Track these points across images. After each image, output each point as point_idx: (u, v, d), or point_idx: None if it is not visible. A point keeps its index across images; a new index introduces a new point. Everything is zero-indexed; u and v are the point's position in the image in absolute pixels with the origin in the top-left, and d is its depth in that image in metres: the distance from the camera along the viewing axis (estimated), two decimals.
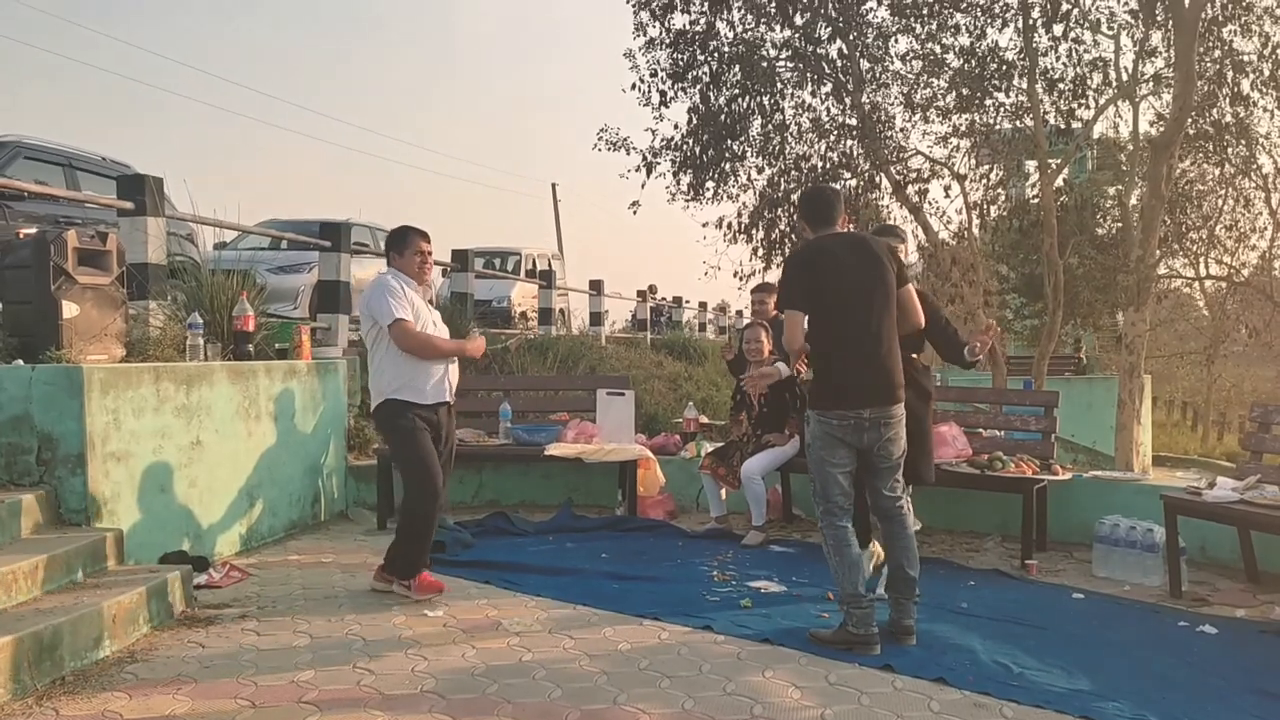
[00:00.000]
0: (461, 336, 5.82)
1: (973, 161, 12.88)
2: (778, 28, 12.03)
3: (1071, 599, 4.92)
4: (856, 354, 4.03)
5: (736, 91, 11.97)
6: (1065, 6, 11.23)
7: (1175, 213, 13.36)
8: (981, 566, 5.52)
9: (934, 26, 11.80)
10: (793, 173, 12.29)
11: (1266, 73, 11.90)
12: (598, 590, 4.85)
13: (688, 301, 24.53)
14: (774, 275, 12.43)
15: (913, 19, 11.81)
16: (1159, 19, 11.21)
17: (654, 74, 12.21)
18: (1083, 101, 11.93)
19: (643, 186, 12.65)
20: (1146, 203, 11.52)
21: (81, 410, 4.38)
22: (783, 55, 12.06)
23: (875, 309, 4.04)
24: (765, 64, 11.82)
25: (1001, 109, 11.95)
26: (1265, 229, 17.63)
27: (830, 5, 11.63)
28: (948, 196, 13.01)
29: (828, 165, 12.25)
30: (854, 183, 12.39)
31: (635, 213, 13.88)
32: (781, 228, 12.48)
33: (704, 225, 12.86)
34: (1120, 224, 13.24)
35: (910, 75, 12.41)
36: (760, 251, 12.61)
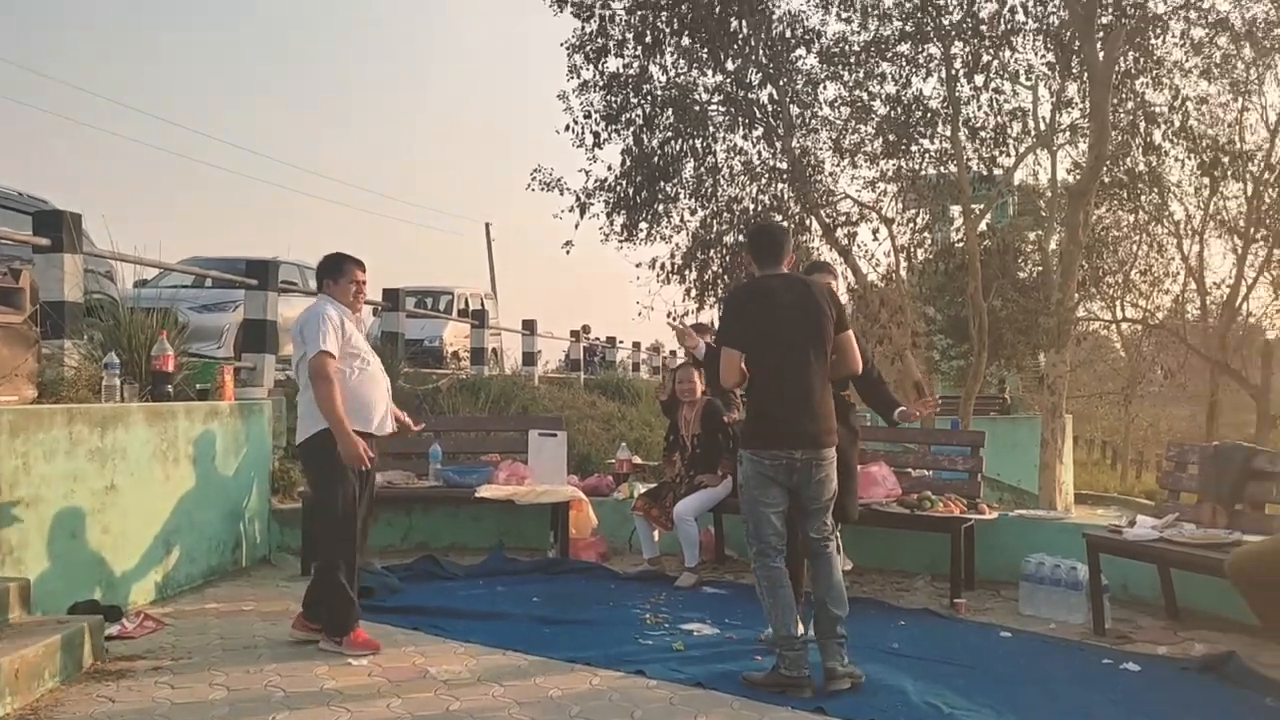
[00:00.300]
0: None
1: (900, 206, 13.24)
2: (710, 73, 12.27)
3: (999, 637, 4.97)
4: (790, 396, 4.06)
5: (669, 134, 12.13)
6: (986, 58, 11.64)
7: (1092, 258, 13.82)
8: (912, 606, 5.55)
9: (861, 74, 12.15)
10: (725, 215, 12.47)
11: (1177, 124, 12.46)
12: (529, 635, 4.77)
13: (621, 341, 24.55)
14: (707, 316, 12.54)
15: (841, 67, 12.15)
16: (1074, 71, 11.67)
17: (588, 116, 12.34)
18: (1004, 149, 12.35)
19: (576, 227, 12.72)
20: (1065, 248, 11.91)
21: None
22: (715, 99, 12.28)
23: (810, 352, 4.07)
24: (698, 108, 12.01)
25: (927, 155, 12.30)
26: (1178, 274, 18.39)
27: (761, 52, 11.88)
28: (876, 239, 13.32)
29: (759, 208, 12.45)
30: (785, 225, 12.58)
31: (569, 253, 13.93)
32: (714, 269, 12.62)
33: (638, 266, 12.98)
34: (1041, 268, 13.64)
35: (839, 121, 12.74)
36: (693, 292, 12.72)
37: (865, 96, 12.29)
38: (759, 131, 12.30)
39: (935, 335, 16.64)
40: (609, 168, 12.46)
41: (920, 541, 6.08)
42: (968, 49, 11.69)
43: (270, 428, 6.72)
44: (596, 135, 12.32)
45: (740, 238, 12.44)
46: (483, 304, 17.14)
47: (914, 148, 12.15)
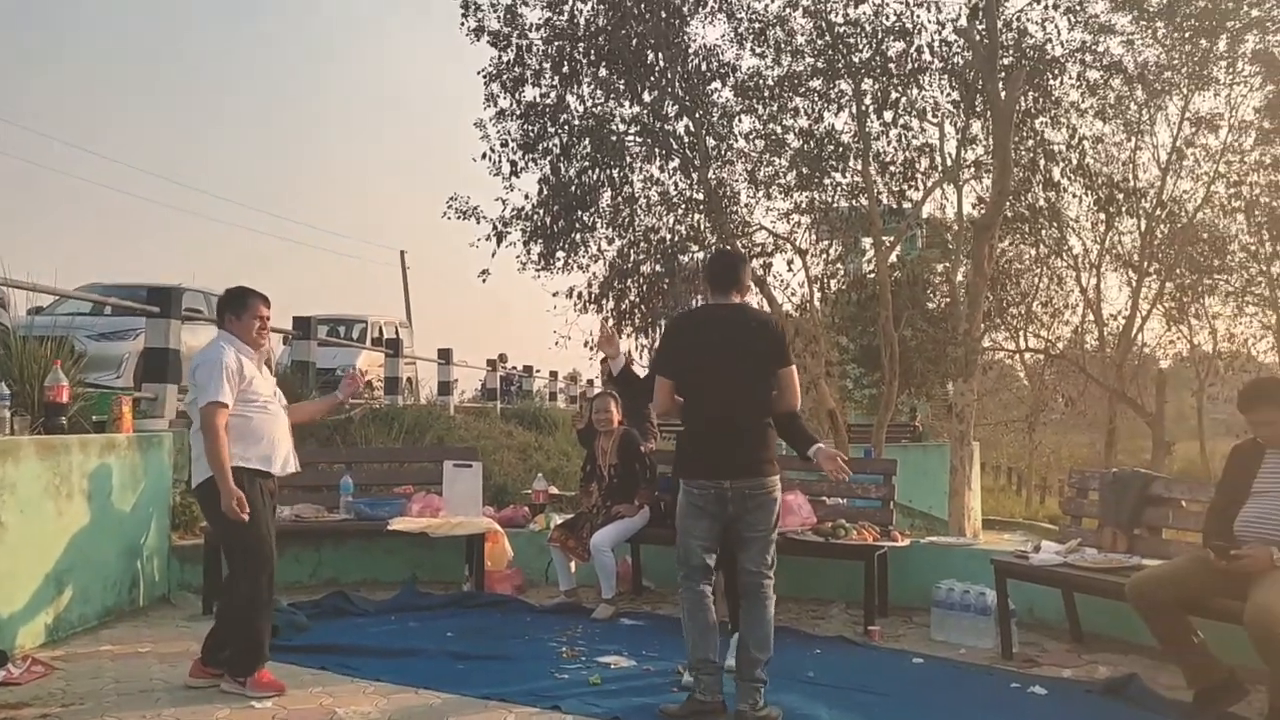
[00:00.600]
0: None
1: (813, 237, 13.49)
2: (627, 103, 12.36)
3: (912, 664, 5.03)
4: (718, 425, 4.06)
5: (586, 164, 12.16)
6: (894, 95, 11.98)
7: (997, 289, 14.26)
8: (827, 634, 5.59)
9: (775, 108, 12.37)
10: (642, 244, 12.53)
11: (1074, 161, 12.99)
12: (441, 672, 4.66)
13: (538, 370, 24.46)
14: (624, 346, 12.54)
15: (755, 100, 12.36)
16: (978, 110, 12.08)
17: (505, 144, 12.32)
18: (912, 183, 12.69)
19: (493, 255, 12.66)
20: (971, 280, 12.26)
21: None
22: (632, 130, 12.36)
23: (741, 382, 4.06)
24: (615, 138, 12.07)
25: (839, 188, 12.56)
26: (1077, 305, 19.12)
27: (677, 84, 12.02)
28: (790, 270, 13.54)
29: (676, 238, 12.54)
30: (701, 255, 12.70)
31: (485, 281, 13.85)
32: (631, 298, 12.66)
33: (555, 295, 12.91)
34: (948, 299, 14.01)
35: (754, 153, 12.94)
36: (610, 321, 12.71)
37: (779, 130, 12.52)
38: (675, 162, 12.42)
39: (848, 364, 16.93)
40: (526, 196, 12.44)
41: (835, 569, 6.14)
42: (877, 86, 12.01)
43: (171, 461, 6.48)
44: (514, 164, 12.29)
45: (657, 267, 12.52)
46: (397, 332, 16.87)
47: (826, 180, 12.39)
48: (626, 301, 12.66)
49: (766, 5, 12.33)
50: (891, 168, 12.46)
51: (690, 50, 12.26)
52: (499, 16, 12.02)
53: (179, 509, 6.69)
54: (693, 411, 4.13)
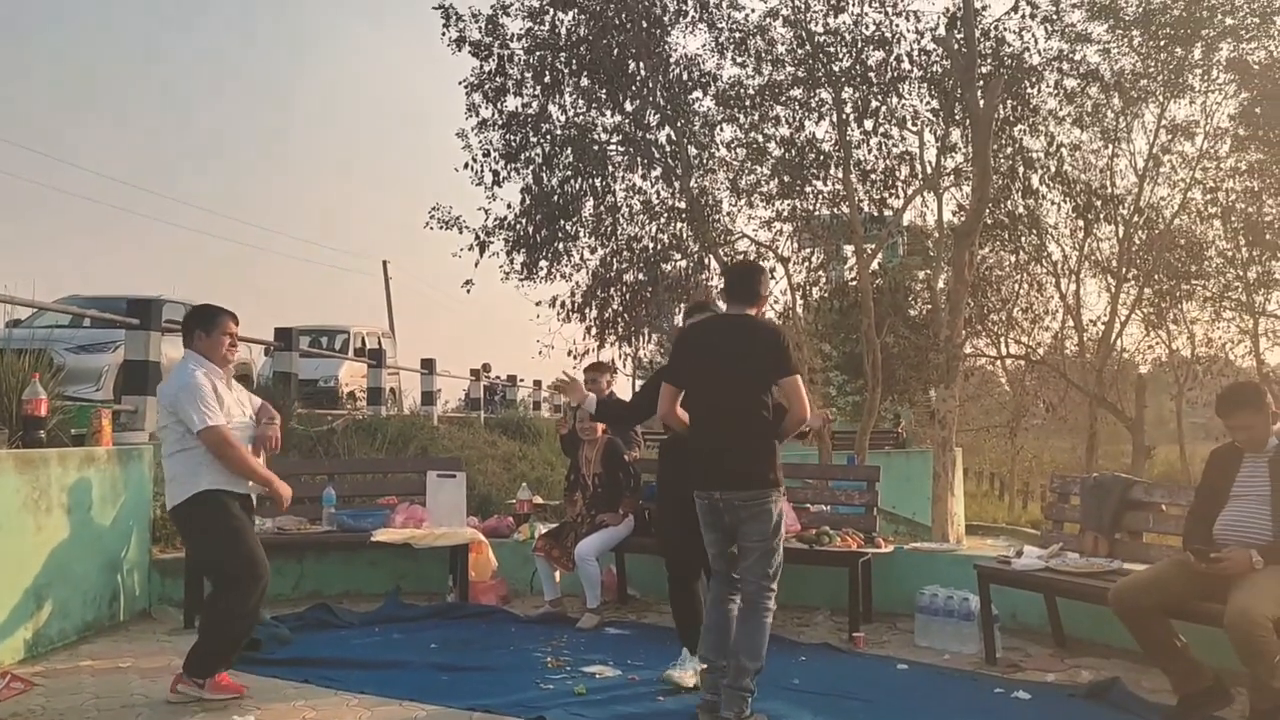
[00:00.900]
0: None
1: (795, 245, 13.55)
2: (609, 113, 12.40)
3: (897, 670, 5.04)
4: (713, 436, 4.14)
5: (569, 173, 12.19)
6: (874, 104, 12.06)
7: (978, 296, 14.34)
8: (811, 640, 5.59)
9: (756, 117, 12.44)
10: (624, 253, 12.55)
11: (1053, 169, 13.10)
12: (425, 683, 4.63)
13: (522, 380, 24.43)
14: (607, 354, 12.57)
15: (736, 110, 12.43)
16: (957, 118, 12.17)
17: (487, 154, 12.32)
18: (893, 191, 12.77)
19: (476, 265, 12.62)
20: (952, 287, 12.32)
21: None
22: (614, 139, 12.40)
23: (735, 394, 4.10)
24: (597, 147, 12.10)
25: (820, 196, 12.64)
26: (1056, 311, 19.24)
27: (659, 93, 12.07)
28: (773, 278, 13.56)
29: (659, 246, 12.57)
30: (684, 264, 12.74)
31: (469, 291, 13.81)
32: (615, 307, 12.68)
33: (538, 304, 12.91)
34: (930, 306, 14.09)
35: (735, 162, 13.01)
36: (594, 330, 12.73)
37: (760, 139, 12.59)
38: (658, 171, 12.46)
39: (831, 371, 17.00)
40: (509, 206, 12.45)
41: (819, 576, 6.14)
42: (857, 95, 12.10)
43: (151, 474, 6.42)
44: (496, 173, 12.31)
45: (640, 276, 12.54)
46: (380, 343, 16.82)
47: (808, 189, 12.47)
48: (609, 310, 12.68)
49: (747, 15, 12.46)
50: (872, 176, 12.54)
51: (671, 60, 12.32)
52: (480, 27, 12.05)
53: (159, 522, 6.63)
54: (694, 421, 4.24)
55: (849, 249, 13.54)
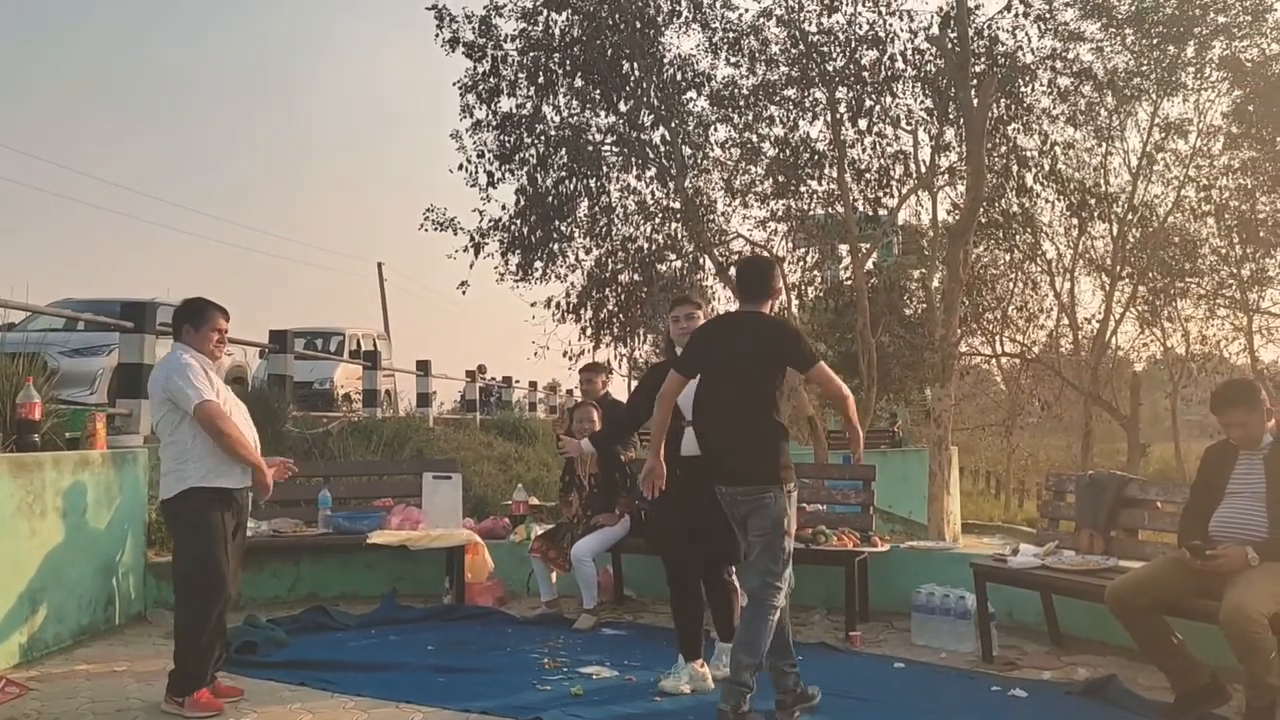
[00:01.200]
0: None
1: (790, 245, 13.55)
2: (603, 113, 12.37)
3: (894, 669, 5.05)
4: (719, 432, 4.20)
5: (563, 174, 12.16)
6: (868, 103, 12.07)
7: (972, 295, 14.36)
8: (808, 640, 5.59)
9: (750, 117, 12.43)
10: (620, 254, 12.54)
11: (1047, 167, 13.12)
12: (422, 685, 4.63)
13: (518, 381, 24.42)
14: (603, 355, 12.56)
15: (730, 110, 12.42)
16: (951, 117, 12.17)
17: (481, 155, 12.28)
18: (887, 190, 12.77)
19: (471, 267, 12.60)
20: (947, 285, 12.34)
21: None
22: (608, 140, 12.38)
23: (745, 390, 4.13)
24: (591, 148, 12.08)
25: (815, 195, 12.64)
26: (1051, 310, 19.29)
27: (653, 94, 12.05)
28: None
29: (654, 247, 12.56)
30: (679, 264, 12.73)
31: (464, 293, 13.76)
32: (610, 307, 12.66)
33: (532, 305, 12.89)
34: (925, 305, 14.09)
35: (730, 162, 13.00)
36: (589, 331, 12.71)
37: (755, 138, 12.59)
38: (652, 172, 12.44)
39: None
40: (503, 207, 12.41)
41: (816, 575, 6.14)
42: (851, 94, 12.10)
43: (146, 477, 6.41)
44: (490, 175, 12.28)
45: (635, 276, 12.54)
46: (375, 345, 16.78)
47: (802, 188, 12.47)
48: (605, 311, 12.66)
49: (740, 15, 12.44)
50: (866, 175, 12.53)
51: (665, 60, 12.30)
52: (473, 28, 12.02)
53: (154, 525, 6.61)
54: (706, 418, 4.28)
55: (844, 248, 13.54)
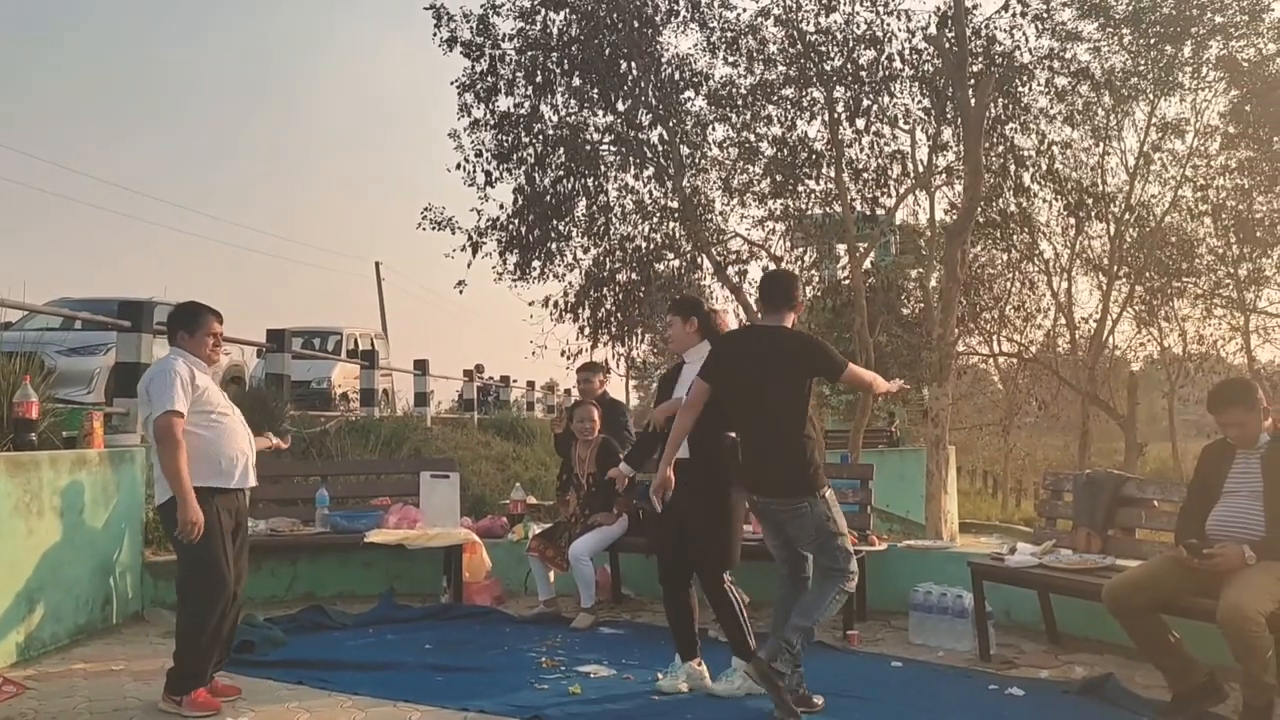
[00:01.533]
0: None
1: (788, 244, 13.54)
2: (600, 113, 12.36)
3: (891, 667, 5.06)
4: (749, 444, 4.29)
5: (561, 173, 12.15)
6: (866, 103, 12.06)
7: (970, 294, 14.36)
8: None
9: (748, 117, 12.43)
10: (617, 253, 12.53)
11: (1044, 167, 13.12)
12: (419, 684, 4.63)
13: (515, 380, 24.40)
14: (600, 354, 12.56)
15: (728, 109, 12.42)
16: (949, 117, 12.18)
17: (479, 154, 12.26)
18: (885, 190, 12.76)
19: (469, 266, 12.58)
20: (944, 285, 12.33)
21: None
22: (606, 139, 12.36)
23: (765, 404, 4.20)
24: (589, 147, 12.07)
25: (812, 195, 12.63)
26: (1048, 309, 19.28)
27: (651, 93, 12.04)
28: None
29: (652, 246, 12.55)
30: (677, 263, 12.73)
31: (462, 292, 13.77)
32: (607, 306, 12.65)
33: (530, 304, 12.88)
34: (922, 304, 14.10)
35: (728, 161, 12.99)
36: (587, 330, 12.70)
37: (753, 138, 12.58)
38: (650, 171, 12.43)
39: None
40: (501, 206, 12.40)
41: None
42: (849, 94, 12.10)
43: (143, 476, 6.41)
44: (488, 174, 12.26)
45: (633, 275, 12.53)
46: (373, 344, 16.77)
47: (800, 188, 12.46)
48: (602, 310, 12.65)
49: (738, 15, 12.41)
50: (864, 174, 12.53)
51: (663, 59, 12.29)
52: (471, 27, 12.01)
53: (152, 524, 6.61)
54: (737, 431, 4.35)
55: (841, 248, 13.54)
